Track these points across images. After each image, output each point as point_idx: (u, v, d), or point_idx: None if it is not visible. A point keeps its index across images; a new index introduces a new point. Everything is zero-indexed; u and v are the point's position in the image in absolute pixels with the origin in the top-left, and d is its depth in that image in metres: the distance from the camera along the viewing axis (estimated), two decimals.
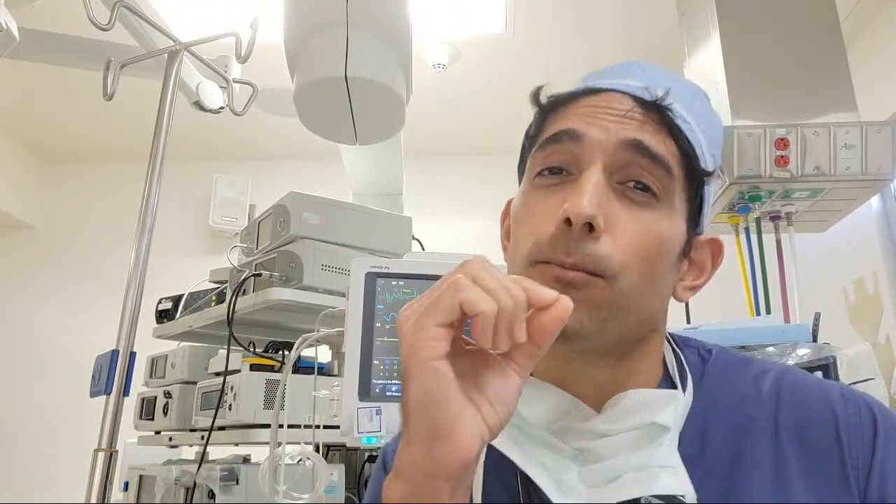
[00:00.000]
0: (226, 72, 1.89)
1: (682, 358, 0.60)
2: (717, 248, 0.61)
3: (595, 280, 0.51)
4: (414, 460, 0.44)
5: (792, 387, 0.57)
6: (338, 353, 1.63)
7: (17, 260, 4.13)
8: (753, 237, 1.56)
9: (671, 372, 0.59)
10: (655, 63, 0.62)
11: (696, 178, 0.56)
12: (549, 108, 0.60)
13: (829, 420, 0.54)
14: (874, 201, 2.58)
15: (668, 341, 0.62)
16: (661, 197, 0.54)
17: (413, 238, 1.81)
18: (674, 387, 0.58)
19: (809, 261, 1.62)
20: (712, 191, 0.60)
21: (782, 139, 1.42)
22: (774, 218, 1.56)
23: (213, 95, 1.89)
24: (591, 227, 0.51)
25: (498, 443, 0.54)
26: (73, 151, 4.24)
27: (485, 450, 0.53)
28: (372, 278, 1.07)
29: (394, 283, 1.07)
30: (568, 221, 0.51)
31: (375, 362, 1.05)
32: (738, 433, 0.55)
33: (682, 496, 0.50)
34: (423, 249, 1.90)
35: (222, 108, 1.92)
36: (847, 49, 1.54)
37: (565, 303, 0.45)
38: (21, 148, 4.13)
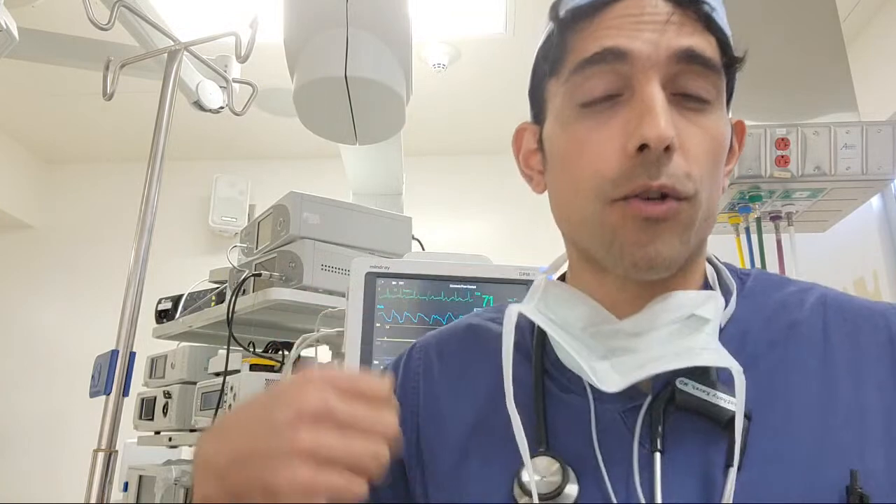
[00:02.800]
0: (225, 72, 1.89)
1: (724, 272, 0.59)
2: (741, 129, 0.61)
3: (681, 205, 0.50)
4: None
5: (837, 299, 0.57)
6: (338, 353, 1.63)
7: (17, 260, 4.13)
8: (754, 237, 1.56)
9: (711, 283, 0.58)
10: None
11: (732, 67, 0.55)
12: (571, 21, 0.53)
13: (879, 325, 0.54)
14: (874, 201, 2.58)
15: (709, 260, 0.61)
16: (712, 100, 0.52)
17: (413, 238, 1.81)
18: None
19: (810, 261, 1.62)
20: None
21: (782, 139, 1.42)
22: (775, 218, 1.56)
23: (212, 95, 1.89)
24: (666, 148, 0.48)
25: (535, 318, 0.53)
26: (73, 151, 4.23)
27: (514, 318, 0.53)
28: (372, 278, 1.07)
29: (394, 283, 1.07)
30: (641, 147, 0.48)
31: (375, 362, 1.04)
32: (783, 334, 0.54)
33: (730, 367, 0.47)
34: (423, 249, 1.90)
35: (222, 107, 1.91)
36: (847, 49, 1.54)
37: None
38: (21, 148, 4.13)
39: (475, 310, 0.70)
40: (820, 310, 0.55)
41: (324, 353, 1.58)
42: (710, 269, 0.59)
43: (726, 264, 0.62)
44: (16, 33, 1.45)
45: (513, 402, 0.50)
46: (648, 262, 0.50)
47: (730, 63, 0.54)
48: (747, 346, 0.53)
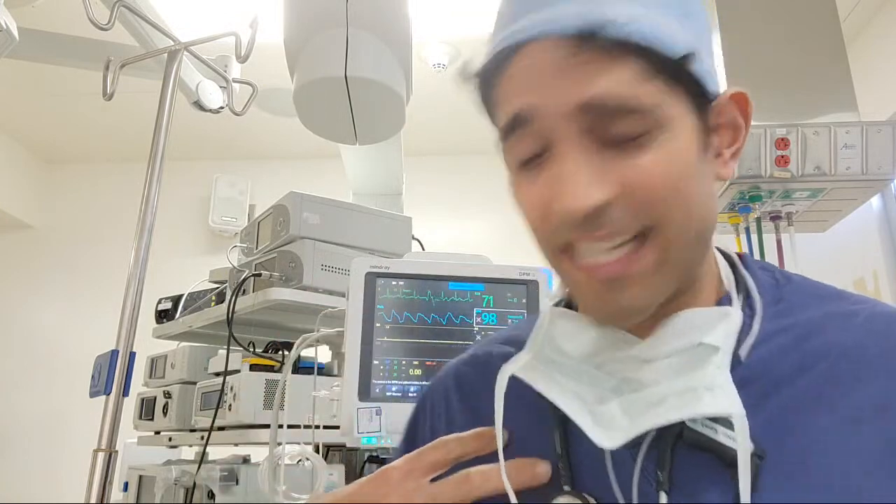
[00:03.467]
0: (225, 71, 1.89)
1: (750, 277, 0.54)
2: (743, 101, 0.51)
3: (639, 251, 0.46)
4: None
5: (889, 318, 0.51)
6: (338, 353, 1.62)
7: (17, 260, 4.13)
8: (754, 237, 1.57)
9: (727, 288, 0.53)
10: None
11: (679, 71, 0.46)
12: (482, 86, 0.52)
13: None
14: (874, 201, 2.58)
15: (724, 257, 0.56)
16: (650, 129, 0.45)
17: (413, 238, 1.81)
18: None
19: (810, 261, 1.62)
20: (710, 43, 0.51)
21: (782, 139, 1.42)
22: (775, 218, 1.56)
23: (212, 95, 1.89)
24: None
25: (526, 376, 0.51)
26: (73, 151, 4.23)
27: (504, 384, 0.52)
28: (372, 278, 1.07)
29: (394, 283, 1.07)
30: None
31: (375, 362, 1.04)
32: (815, 359, 0.48)
33: (729, 415, 0.44)
34: (423, 249, 1.90)
35: (222, 107, 1.91)
36: (847, 49, 1.54)
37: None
38: (21, 148, 4.13)
39: (493, 334, 0.70)
40: (865, 332, 0.49)
41: (324, 353, 1.58)
42: (724, 269, 0.54)
43: (763, 263, 0.57)
44: (16, 33, 1.45)
45: (503, 458, 0.52)
46: (619, 316, 0.49)
47: (671, 71, 0.45)
48: (772, 370, 0.48)
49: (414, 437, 0.66)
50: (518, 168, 0.50)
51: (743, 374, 0.48)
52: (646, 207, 0.45)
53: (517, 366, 0.52)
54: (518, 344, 0.57)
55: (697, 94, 0.48)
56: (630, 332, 0.50)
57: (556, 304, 0.58)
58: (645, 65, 0.44)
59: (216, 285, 1.89)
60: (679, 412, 0.45)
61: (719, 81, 0.50)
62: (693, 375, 0.46)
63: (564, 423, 0.51)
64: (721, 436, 0.45)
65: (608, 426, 0.47)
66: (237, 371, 1.53)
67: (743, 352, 0.49)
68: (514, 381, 0.52)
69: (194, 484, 1.47)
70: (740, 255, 0.57)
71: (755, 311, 0.52)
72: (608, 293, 0.47)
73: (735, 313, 0.49)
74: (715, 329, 0.47)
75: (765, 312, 0.52)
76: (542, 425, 0.53)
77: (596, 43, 0.44)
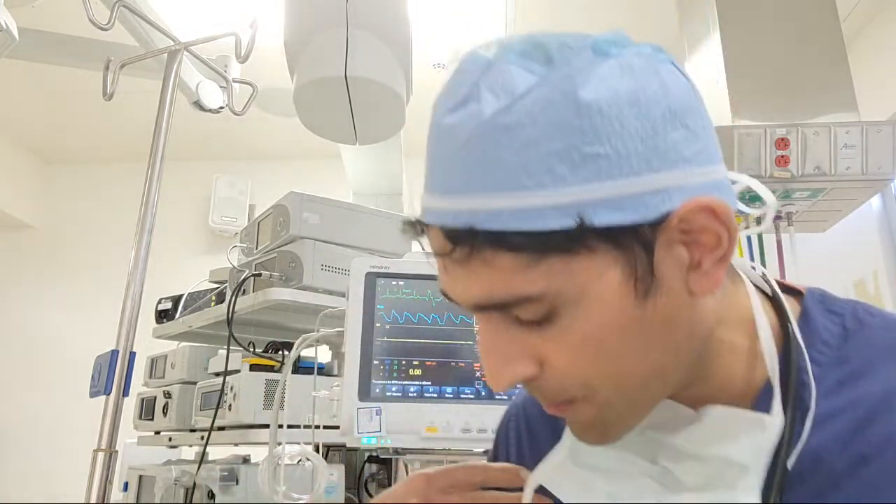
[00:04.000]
0: (226, 72, 1.89)
1: (805, 352, 0.46)
2: (710, 211, 0.42)
3: (582, 406, 0.45)
4: None
5: None
6: (338, 353, 1.62)
7: (17, 260, 4.13)
8: (754, 237, 1.56)
9: (771, 377, 0.45)
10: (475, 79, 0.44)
11: (570, 238, 0.40)
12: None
13: None
14: (874, 201, 2.58)
15: (775, 303, 0.49)
16: (551, 309, 0.42)
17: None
18: (785, 392, 0.44)
19: (810, 261, 1.62)
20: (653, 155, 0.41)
21: (782, 139, 1.42)
22: (775, 218, 1.56)
23: (212, 95, 1.88)
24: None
25: (554, 484, 0.51)
26: (73, 151, 4.23)
27: (537, 478, 0.53)
28: (372, 278, 1.07)
29: (394, 283, 1.07)
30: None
31: (375, 362, 1.04)
32: (881, 446, 0.41)
33: None
34: (423, 249, 1.90)
35: (222, 107, 1.91)
36: (847, 49, 1.54)
37: None
38: (21, 148, 4.13)
39: None
40: None
41: (324, 353, 1.58)
42: (768, 343, 0.46)
43: (834, 308, 0.49)
44: (16, 33, 1.45)
45: None
46: (599, 443, 0.47)
47: (563, 243, 0.40)
48: (831, 461, 0.42)
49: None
50: None
51: (796, 467, 0.43)
52: (566, 385, 0.43)
53: (549, 467, 0.52)
54: None
55: (621, 237, 0.40)
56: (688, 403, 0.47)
57: None
58: (523, 254, 0.40)
59: (216, 285, 1.89)
60: None
61: (673, 194, 0.41)
62: (721, 494, 0.43)
63: None
64: None
65: None
66: (237, 371, 1.53)
67: (791, 461, 0.43)
68: (548, 417, 0.52)
69: (194, 484, 1.47)
70: (801, 297, 0.50)
71: (808, 405, 0.44)
72: (574, 428, 0.48)
73: (773, 423, 0.43)
74: (742, 442, 0.42)
75: (821, 388, 0.45)
76: None
77: (466, 243, 0.41)
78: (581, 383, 0.43)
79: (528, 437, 0.66)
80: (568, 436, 0.51)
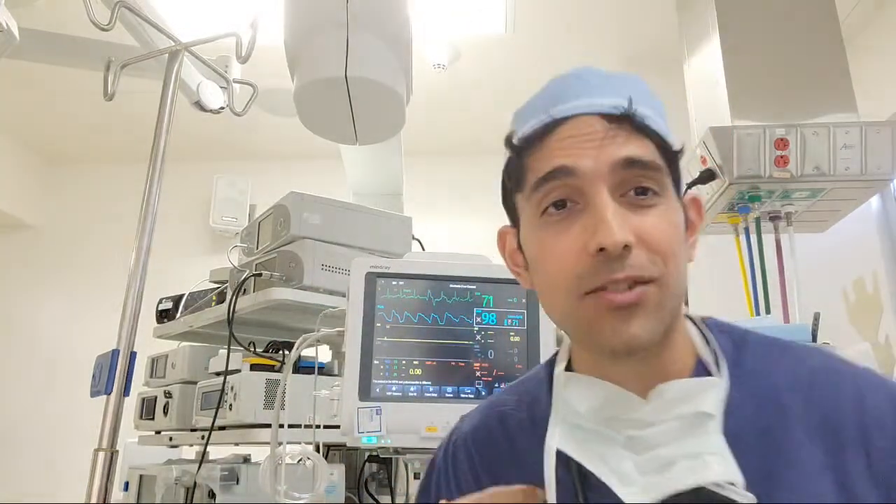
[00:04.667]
0: (226, 72, 1.89)
1: (715, 343, 0.63)
2: (697, 204, 0.66)
3: (649, 288, 0.56)
4: None
5: (828, 375, 0.60)
6: (338, 353, 1.63)
7: (17, 260, 4.13)
8: (753, 237, 1.57)
9: (703, 357, 0.62)
10: (600, 68, 0.65)
11: (673, 159, 0.61)
12: (524, 146, 0.62)
13: (855, 415, 0.56)
14: (874, 201, 2.58)
15: (694, 324, 0.65)
16: (660, 192, 0.59)
17: (413, 238, 1.81)
18: (707, 370, 0.61)
19: (809, 261, 1.62)
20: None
21: (782, 139, 1.42)
22: (774, 218, 1.56)
23: (213, 95, 1.89)
24: (624, 247, 0.55)
25: (560, 444, 0.61)
26: (73, 151, 4.24)
27: (554, 446, 0.61)
28: (372, 278, 1.07)
29: (394, 283, 1.08)
30: (601, 249, 0.55)
31: (375, 362, 1.05)
32: (776, 423, 0.58)
33: (732, 483, 0.54)
34: (423, 249, 1.90)
35: (222, 108, 1.92)
36: (847, 49, 1.54)
37: None
38: (21, 148, 4.13)
39: (499, 389, 0.77)
40: (805, 391, 0.59)
41: (324, 353, 1.58)
42: (697, 338, 0.63)
43: (720, 324, 0.66)
44: (16, 33, 1.45)
45: None
46: (626, 346, 0.56)
47: (669, 158, 0.61)
48: (743, 437, 0.57)
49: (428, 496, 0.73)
50: (539, 216, 0.60)
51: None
52: (653, 257, 0.56)
53: (555, 440, 0.62)
54: (522, 404, 0.69)
55: (677, 185, 0.62)
56: (634, 390, 0.60)
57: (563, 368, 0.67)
58: (656, 146, 0.59)
59: (217, 285, 1.89)
60: (695, 477, 0.54)
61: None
62: (697, 441, 0.56)
63: (584, 477, 0.60)
64: (728, 491, 0.54)
65: (628, 483, 0.57)
66: (238, 371, 1.53)
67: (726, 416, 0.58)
68: (522, 446, 0.65)
69: (195, 483, 1.47)
70: (704, 319, 0.66)
71: (722, 373, 0.61)
72: (622, 323, 0.56)
73: (722, 383, 0.59)
74: (707, 398, 0.58)
75: (729, 376, 0.60)
76: (564, 472, 0.61)
77: (625, 124, 0.58)
78: (662, 259, 0.56)
79: (479, 460, 0.70)
80: (555, 415, 0.63)
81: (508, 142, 0.64)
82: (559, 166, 0.58)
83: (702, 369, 0.61)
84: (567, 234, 0.58)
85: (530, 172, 0.61)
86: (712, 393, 0.58)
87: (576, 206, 0.58)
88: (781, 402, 0.58)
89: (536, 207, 0.60)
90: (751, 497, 0.53)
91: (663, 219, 0.58)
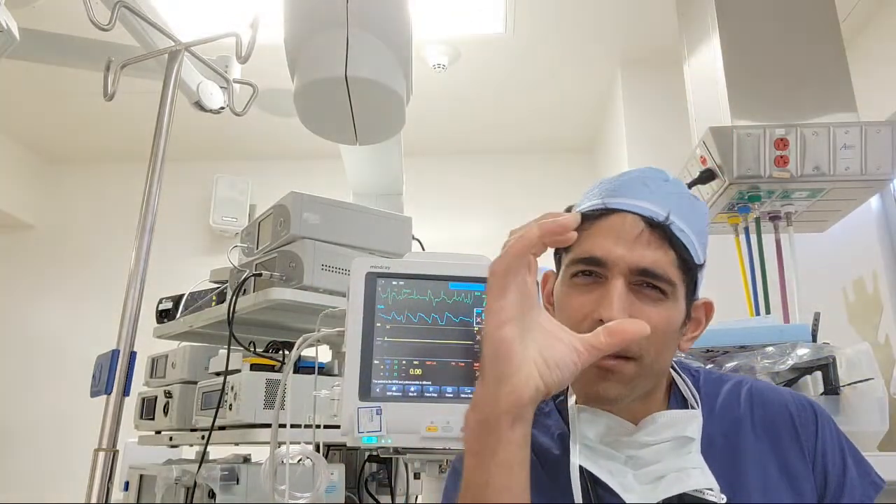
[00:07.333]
0: (226, 72, 1.89)
1: (689, 383, 0.81)
2: (709, 308, 0.81)
3: (626, 363, 0.70)
4: (484, 397, 0.62)
5: (760, 394, 0.81)
6: (338, 353, 1.63)
7: (17, 260, 4.13)
8: (753, 237, 1.57)
9: (684, 393, 0.80)
10: (661, 169, 0.78)
11: (691, 269, 0.74)
12: (580, 223, 0.72)
13: (787, 417, 0.78)
14: (874, 201, 2.58)
15: (674, 369, 0.82)
16: (667, 294, 0.72)
17: (413, 238, 1.81)
18: (683, 402, 0.79)
19: (809, 261, 1.62)
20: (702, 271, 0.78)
21: (782, 139, 1.42)
22: (774, 218, 1.56)
23: (213, 95, 1.89)
24: None
25: (581, 460, 0.74)
26: (73, 151, 4.24)
27: (577, 462, 0.73)
28: (372, 278, 1.07)
29: (394, 283, 1.08)
30: (600, 321, 0.67)
31: (376, 362, 1.05)
32: (733, 433, 0.77)
33: (710, 489, 0.70)
34: (423, 249, 1.90)
35: (222, 108, 1.92)
36: (847, 49, 1.54)
37: (632, 327, 0.63)
38: (21, 148, 4.13)
39: None
40: (748, 405, 0.80)
41: (324, 353, 1.58)
42: (678, 378, 0.81)
43: (682, 365, 0.84)
44: (17, 33, 1.45)
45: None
46: (597, 397, 0.73)
47: (686, 268, 0.73)
48: (715, 448, 0.75)
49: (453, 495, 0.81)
50: (570, 278, 0.75)
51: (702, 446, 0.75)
52: (642, 343, 0.70)
53: (577, 458, 0.75)
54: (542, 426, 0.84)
55: (692, 289, 0.76)
56: (627, 420, 0.75)
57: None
58: (678, 257, 0.72)
59: (217, 285, 1.89)
60: (680, 485, 0.71)
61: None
62: (680, 458, 0.73)
63: (596, 483, 0.74)
64: (706, 495, 0.71)
65: (630, 490, 0.72)
66: (238, 371, 1.53)
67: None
68: (548, 447, 0.80)
69: (195, 483, 1.47)
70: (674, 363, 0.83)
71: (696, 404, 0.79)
72: (598, 380, 0.71)
73: (699, 415, 0.77)
74: (690, 425, 0.75)
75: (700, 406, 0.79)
76: (582, 479, 0.74)
77: (658, 230, 0.72)
78: (646, 348, 0.70)
79: None
80: (573, 437, 0.77)
81: (568, 210, 0.78)
82: (593, 257, 0.72)
83: (675, 400, 0.79)
84: (585, 298, 0.73)
85: (576, 245, 0.74)
86: (694, 422, 0.75)
87: (599, 278, 0.73)
88: (735, 415, 0.79)
89: (569, 272, 0.76)
90: (723, 497, 0.70)
91: (661, 314, 0.72)
